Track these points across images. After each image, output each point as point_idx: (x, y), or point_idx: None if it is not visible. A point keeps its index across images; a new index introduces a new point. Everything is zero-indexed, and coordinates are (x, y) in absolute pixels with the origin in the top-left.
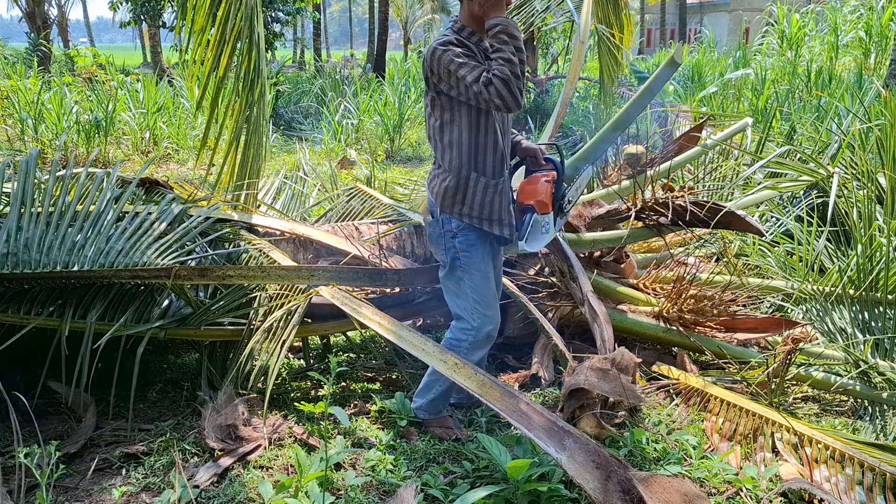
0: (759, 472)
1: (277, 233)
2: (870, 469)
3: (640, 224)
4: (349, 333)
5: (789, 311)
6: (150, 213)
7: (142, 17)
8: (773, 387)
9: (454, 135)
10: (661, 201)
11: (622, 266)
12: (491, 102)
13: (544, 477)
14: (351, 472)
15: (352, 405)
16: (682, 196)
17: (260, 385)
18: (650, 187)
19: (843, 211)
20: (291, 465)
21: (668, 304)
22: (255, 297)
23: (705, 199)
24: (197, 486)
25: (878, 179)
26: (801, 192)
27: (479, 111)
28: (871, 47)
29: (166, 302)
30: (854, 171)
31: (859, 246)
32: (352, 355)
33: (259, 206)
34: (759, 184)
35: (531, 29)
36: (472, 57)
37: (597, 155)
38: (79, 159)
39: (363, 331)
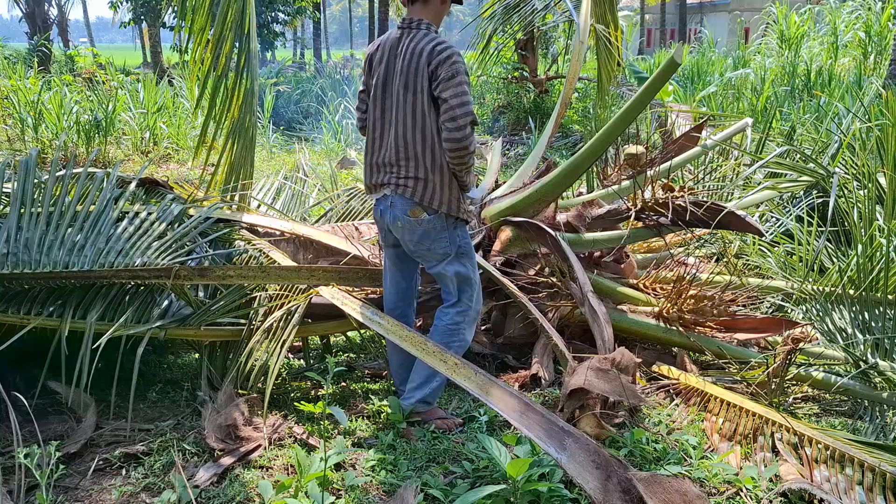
0: (759, 472)
1: (277, 233)
2: (870, 469)
3: (640, 224)
4: (349, 333)
5: (789, 311)
6: (149, 214)
7: (142, 17)
8: (773, 387)
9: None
10: (661, 201)
11: (622, 266)
12: (458, 135)
13: (544, 477)
14: (351, 472)
15: (351, 405)
16: (682, 196)
17: (260, 385)
18: (650, 187)
19: (843, 211)
20: (291, 465)
21: (668, 305)
22: (255, 297)
23: (705, 199)
24: (197, 486)
25: (878, 179)
26: (801, 192)
27: None
28: (871, 47)
29: (166, 302)
30: (854, 171)
31: (859, 246)
32: (352, 355)
33: (258, 205)
34: (759, 184)
35: (531, 28)
36: None
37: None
38: (79, 159)
39: (363, 331)
